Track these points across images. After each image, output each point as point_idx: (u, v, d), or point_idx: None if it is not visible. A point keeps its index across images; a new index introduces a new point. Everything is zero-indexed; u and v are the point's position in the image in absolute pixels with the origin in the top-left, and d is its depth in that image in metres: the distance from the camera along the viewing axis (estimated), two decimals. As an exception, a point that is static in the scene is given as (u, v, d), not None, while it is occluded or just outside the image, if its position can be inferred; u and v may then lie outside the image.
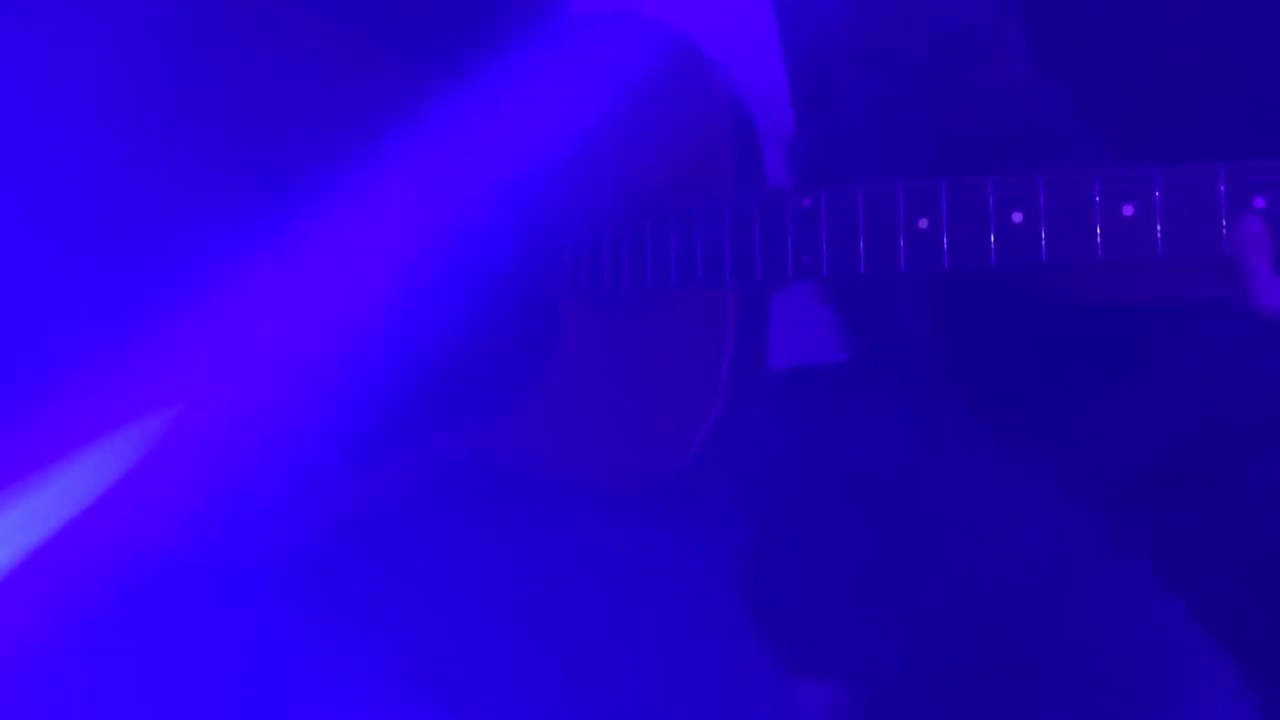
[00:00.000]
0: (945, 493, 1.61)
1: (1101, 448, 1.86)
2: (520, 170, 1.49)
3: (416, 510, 1.50)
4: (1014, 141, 1.63)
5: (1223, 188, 1.33)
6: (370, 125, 1.50)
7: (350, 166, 1.48)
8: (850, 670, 1.61)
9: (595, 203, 1.49)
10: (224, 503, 1.44)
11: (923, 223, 1.41)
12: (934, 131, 1.63)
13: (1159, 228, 1.34)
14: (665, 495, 1.51)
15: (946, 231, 1.40)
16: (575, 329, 1.50)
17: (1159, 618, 1.50)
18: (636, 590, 1.45)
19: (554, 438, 1.49)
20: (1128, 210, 1.35)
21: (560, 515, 1.49)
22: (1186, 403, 2.01)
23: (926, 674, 1.54)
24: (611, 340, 1.50)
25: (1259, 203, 1.33)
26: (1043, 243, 1.38)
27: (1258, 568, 1.95)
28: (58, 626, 1.37)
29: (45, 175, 1.44)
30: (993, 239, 1.39)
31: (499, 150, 1.50)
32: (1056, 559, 1.55)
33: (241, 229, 1.48)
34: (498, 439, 1.50)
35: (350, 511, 1.50)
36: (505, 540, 1.49)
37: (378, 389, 1.49)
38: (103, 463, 1.33)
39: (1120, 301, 1.66)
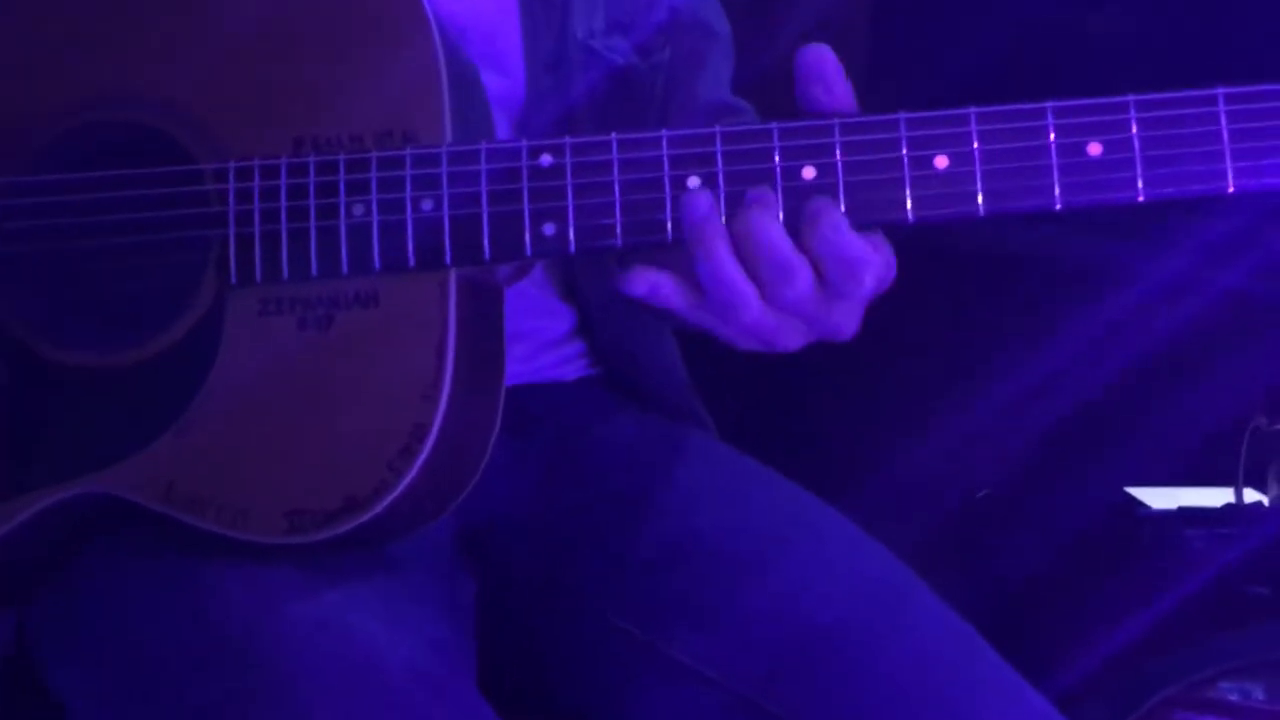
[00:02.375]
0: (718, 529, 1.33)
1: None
2: None
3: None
4: None
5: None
6: None
7: None
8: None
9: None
10: None
11: (693, 181, 1.11)
12: None
13: None
14: (372, 559, 1.19)
15: (724, 191, 1.11)
16: (235, 340, 1.15)
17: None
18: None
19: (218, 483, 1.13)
20: None
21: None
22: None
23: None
24: (286, 352, 1.15)
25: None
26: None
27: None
28: None
29: None
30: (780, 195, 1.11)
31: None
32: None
33: None
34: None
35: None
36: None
37: None
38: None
39: None
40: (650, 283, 1.12)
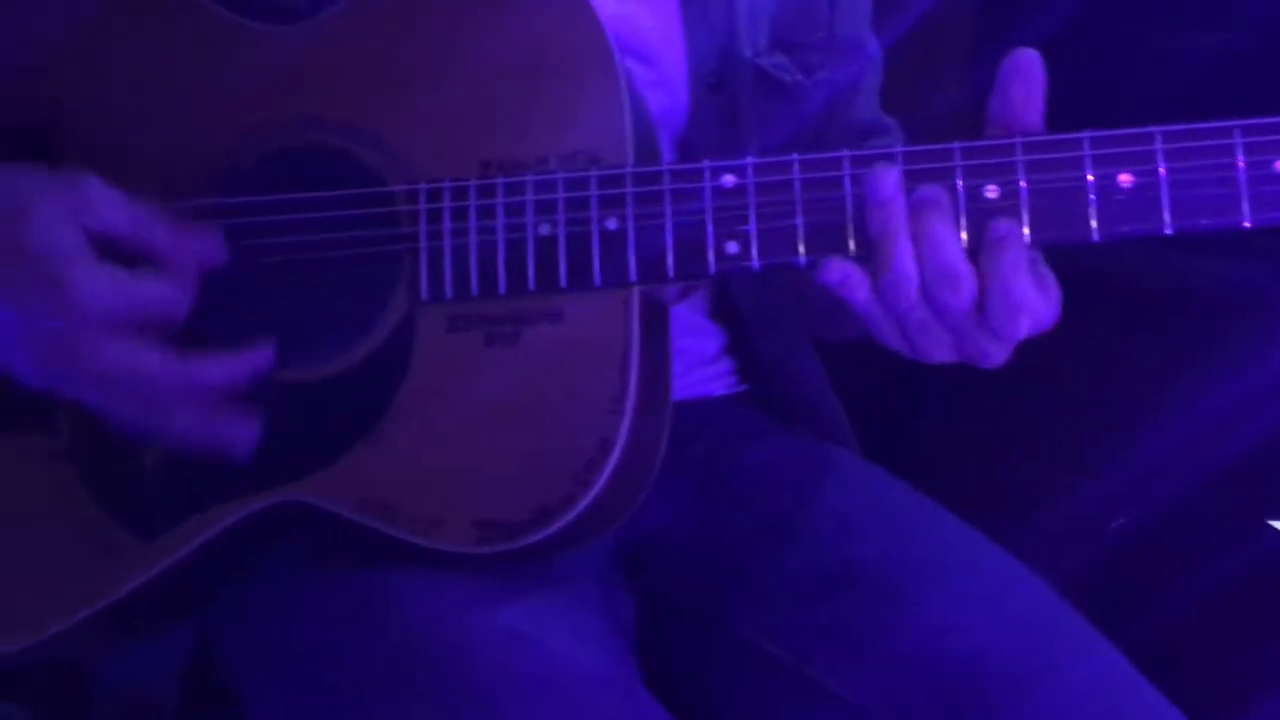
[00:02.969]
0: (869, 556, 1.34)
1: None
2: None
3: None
4: None
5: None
6: None
7: None
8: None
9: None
10: None
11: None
12: None
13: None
14: (542, 573, 1.22)
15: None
16: (425, 355, 1.18)
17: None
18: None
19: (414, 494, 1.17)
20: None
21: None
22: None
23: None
24: (475, 368, 1.18)
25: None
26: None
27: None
28: None
29: None
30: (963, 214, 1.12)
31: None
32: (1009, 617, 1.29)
33: None
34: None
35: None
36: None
37: None
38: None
39: None
40: (842, 272, 1.14)
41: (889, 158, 1.15)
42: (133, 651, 1.36)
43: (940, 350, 1.15)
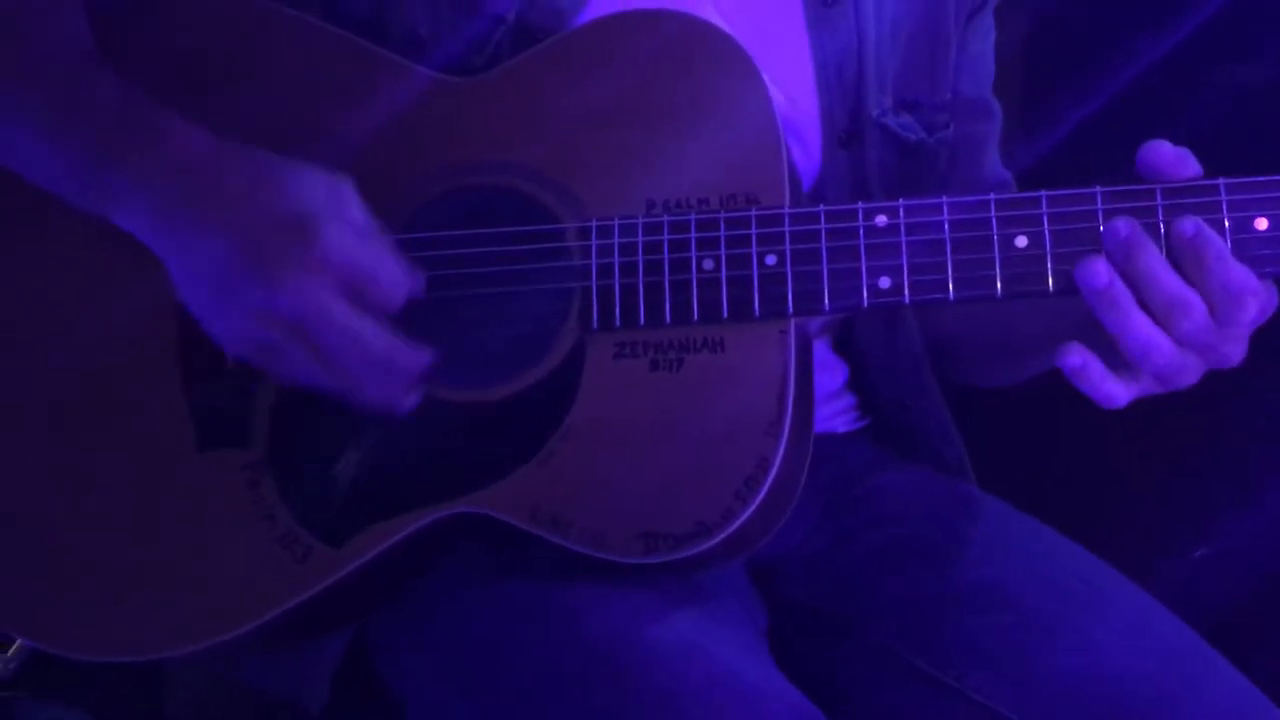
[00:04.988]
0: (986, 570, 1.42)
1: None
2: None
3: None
4: None
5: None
6: None
7: None
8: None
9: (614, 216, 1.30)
10: None
11: (1021, 241, 1.21)
12: None
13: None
14: (690, 588, 1.30)
15: (1050, 252, 1.21)
16: (594, 379, 1.28)
17: None
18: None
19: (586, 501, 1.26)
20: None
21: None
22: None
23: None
24: (640, 391, 1.27)
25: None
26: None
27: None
28: None
29: None
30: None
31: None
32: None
33: None
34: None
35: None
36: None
37: None
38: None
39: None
40: (1083, 359, 1.22)
41: (1034, 200, 1.23)
42: (294, 654, 1.45)
43: (1192, 374, 1.23)
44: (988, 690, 1.35)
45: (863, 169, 1.48)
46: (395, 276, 1.27)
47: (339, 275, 1.25)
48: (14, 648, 1.45)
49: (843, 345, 1.55)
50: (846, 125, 1.47)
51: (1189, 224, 1.20)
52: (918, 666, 1.38)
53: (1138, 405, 1.26)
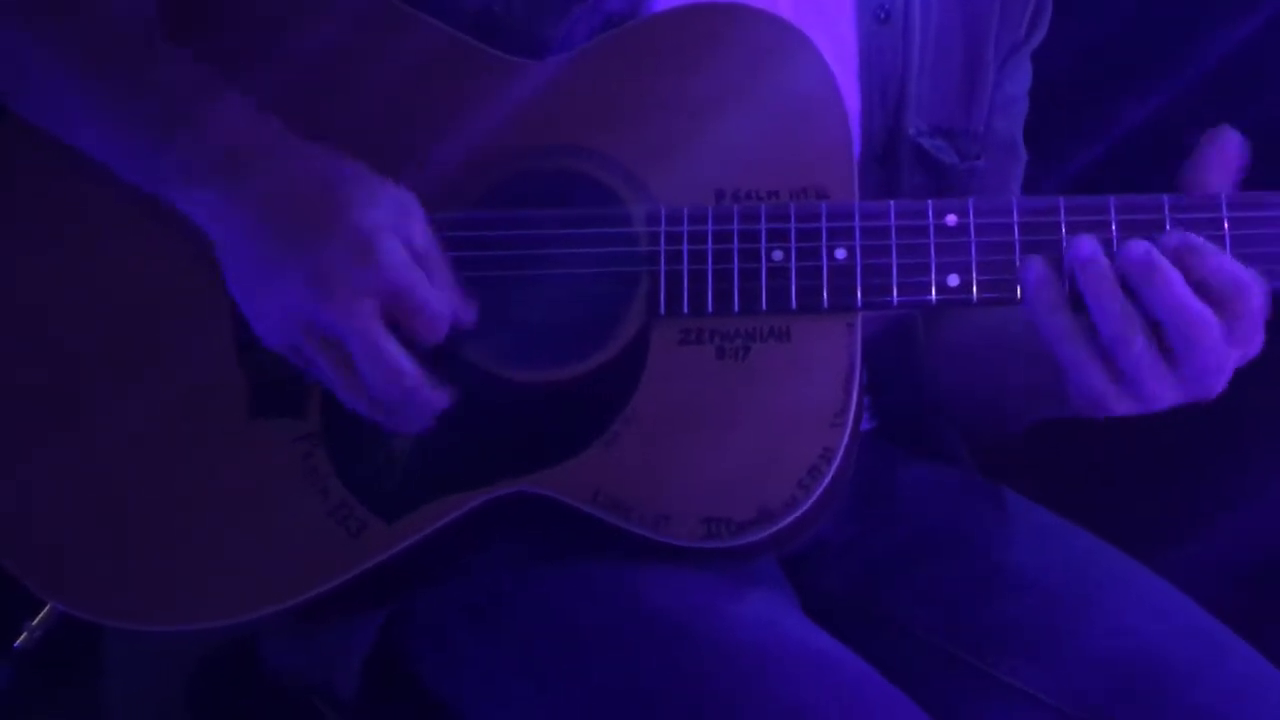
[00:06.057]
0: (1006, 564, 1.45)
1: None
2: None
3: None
4: None
5: None
6: None
7: None
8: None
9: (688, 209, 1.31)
10: None
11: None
12: None
13: None
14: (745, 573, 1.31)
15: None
16: (658, 364, 1.28)
17: None
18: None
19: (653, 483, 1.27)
20: None
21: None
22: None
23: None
24: (705, 378, 1.28)
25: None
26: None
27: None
28: None
29: None
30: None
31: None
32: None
33: None
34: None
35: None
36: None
37: None
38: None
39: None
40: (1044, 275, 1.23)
41: (1101, 206, 1.25)
42: (330, 635, 1.44)
43: (1168, 395, 1.24)
44: (1023, 674, 1.38)
45: (896, 188, 1.50)
46: (441, 311, 1.27)
47: (388, 300, 1.25)
48: (41, 615, 1.42)
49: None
50: (883, 143, 1.50)
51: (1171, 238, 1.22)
52: (952, 653, 1.40)
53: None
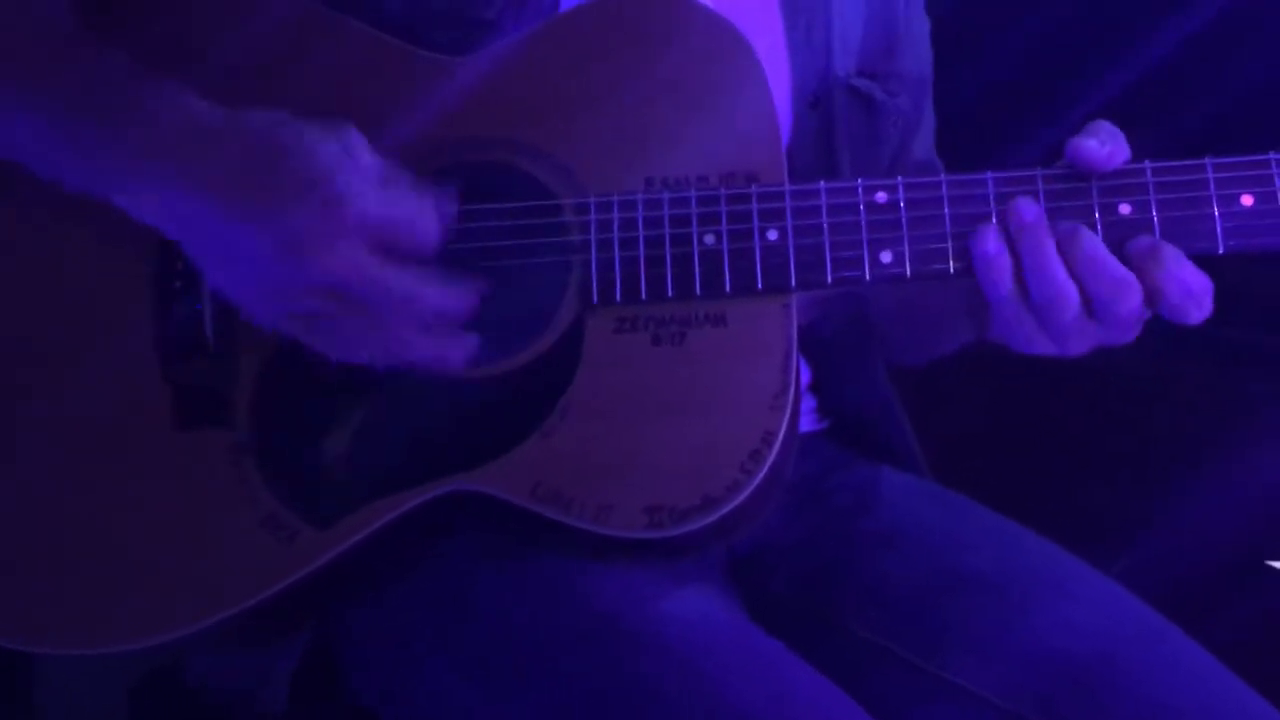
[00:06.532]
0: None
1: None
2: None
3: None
4: None
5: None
6: None
7: None
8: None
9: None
10: None
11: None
12: None
13: None
14: (677, 572, 1.29)
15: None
16: (594, 354, 1.27)
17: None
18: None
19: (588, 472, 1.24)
20: None
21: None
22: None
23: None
24: (642, 366, 1.27)
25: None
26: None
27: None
28: None
29: None
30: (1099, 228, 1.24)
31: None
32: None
33: None
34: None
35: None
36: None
37: None
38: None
39: None
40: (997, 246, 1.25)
41: (1029, 179, 1.26)
42: (262, 649, 1.40)
43: (1084, 344, 1.26)
44: (969, 673, 1.36)
45: (830, 131, 1.50)
46: (425, 220, 1.25)
47: (369, 232, 1.22)
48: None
49: (804, 348, 1.57)
50: (815, 87, 1.50)
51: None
52: (898, 653, 1.39)
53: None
